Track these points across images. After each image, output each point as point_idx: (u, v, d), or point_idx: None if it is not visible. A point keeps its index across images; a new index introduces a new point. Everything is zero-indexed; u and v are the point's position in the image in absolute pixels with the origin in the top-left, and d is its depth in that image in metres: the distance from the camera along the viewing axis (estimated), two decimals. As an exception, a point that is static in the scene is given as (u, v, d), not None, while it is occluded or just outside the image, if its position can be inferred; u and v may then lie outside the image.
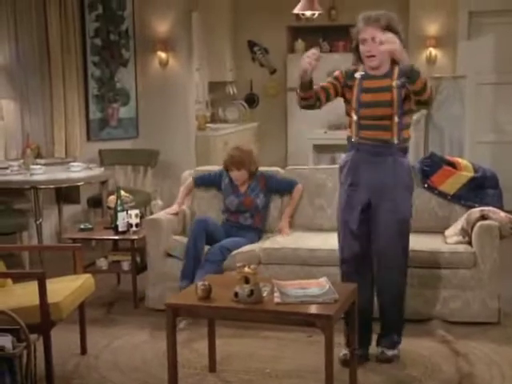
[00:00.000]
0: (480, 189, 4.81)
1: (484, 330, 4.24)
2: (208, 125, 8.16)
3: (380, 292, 3.83)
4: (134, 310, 4.84)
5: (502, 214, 4.43)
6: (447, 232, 4.65)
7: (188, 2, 7.57)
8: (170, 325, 3.30)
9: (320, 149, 7.30)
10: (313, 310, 3.15)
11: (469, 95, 7.60)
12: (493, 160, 7.58)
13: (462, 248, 4.39)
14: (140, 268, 4.97)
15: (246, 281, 3.27)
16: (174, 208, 4.99)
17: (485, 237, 4.30)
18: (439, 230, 4.71)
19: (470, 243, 4.42)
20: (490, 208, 4.48)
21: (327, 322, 3.06)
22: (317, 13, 7.59)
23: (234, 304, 3.22)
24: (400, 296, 3.83)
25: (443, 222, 4.76)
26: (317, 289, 3.36)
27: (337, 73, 3.79)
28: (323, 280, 3.48)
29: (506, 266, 4.48)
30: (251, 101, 9.08)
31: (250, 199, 4.88)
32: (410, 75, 3.39)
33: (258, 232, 4.89)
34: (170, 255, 4.71)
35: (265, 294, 3.31)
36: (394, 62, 3.57)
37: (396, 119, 3.59)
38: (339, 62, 8.85)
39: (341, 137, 7.67)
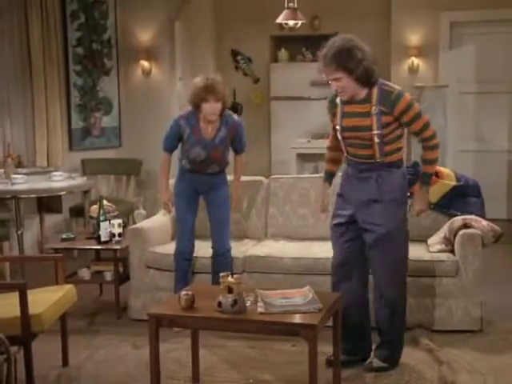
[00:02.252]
0: (462, 197, 4.84)
1: (467, 338, 4.27)
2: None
3: (375, 305, 3.88)
4: (116, 320, 4.82)
5: (484, 222, 4.46)
6: (430, 240, 4.68)
7: (170, 12, 7.57)
8: (152, 335, 3.28)
9: (303, 158, 7.32)
10: (296, 319, 3.15)
11: (451, 104, 7.68)
12: (475, 169, 7.65)
13: (444, 256, 4.41)
14: (123, 278, 4.94)
15: (230, 290, 3.27)
16: (166, 201, 4.65)
17: (467, 245, 4.33)
18: (422, 239, 4.73)
19: (452, 252, 4.44)
20: (473, 217, 4.51)
21: (311, 332, 3.06)
22: (300, 22, 7.61)
23: (218, 314, 3.21)
24: (397, 312, 3.82)
25: (426, 230, 4.78)
26: (300, 298, 3.36)
27: (327, 111, 3.91)
28: (306, 289, 3.48)
29: (488, 275, 4.51)
30: (235, 110, 9.01)
31: (218, 151, 4.47)
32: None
33: (224, 172, 4.65)
34: (149, 267, 4.70)
35: (248, 304, 3.31)
36: (372, 85, 3.64)
37: (376, 140, 3.68)
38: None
39: (324, 146, 7.77)
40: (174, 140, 4.52)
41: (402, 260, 3.82)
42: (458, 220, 4.51)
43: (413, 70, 8.02)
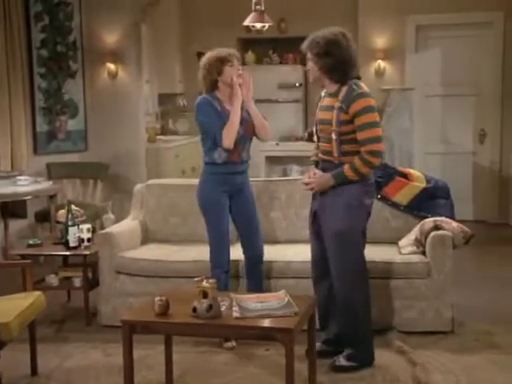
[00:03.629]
0: (432, 199, 4.88)
1: (438, 340, 4.30)
2: (158, 137, 8.10)
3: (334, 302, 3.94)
4: (86, 327, 4.74)
5: (455, 224, 4.50)
6: (401, 242, 4.71)
7: (137, 14, 7.50)
8: (126, 342, 3.24)
9: (272, 161, 7.32)
10: (273, 323, 3.14)
11: (417, 107, 7.76)
12: (441, 171, 7.74)
13: (416, 258, 4.44)
14: (92, 284, 4.88)
15: (205, 295, 3.25)
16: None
17: (438, 247, 4.37)
18: (393, 241, 4.76)
19: (423, 253, 4.47)
20: (443, 218, 4.56)
21: (288, 336, 3.05)
22: (267, 25, 7.61)
23: (193, 319, 3.18)
24: (348, 309, 3.86)
25: (397, 232, 4.81)
26: (276, 302, 3.35)
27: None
28: (282, 293, 3.47)
29: (458, 276, 4.55)
30: (201, 113, 9.02)
31: (250, 125, 4.19)
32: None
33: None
34: (119, 272, 4.64)
35: (223, 309, 3.28)
36: (344, 83, 3.74)
37: (334, 136, 3.76)
38: (289, 73, 8.96)
39: (292, 148, 7.84)
40: (216, 118, 4.06)
41: (354, 260, 3.84)
42: (429, 222, 4.55)
43: (379, 73, 8.08)
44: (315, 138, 4.00)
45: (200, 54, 8.86)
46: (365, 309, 3.89)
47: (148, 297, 4.50)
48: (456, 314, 4.43)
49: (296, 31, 8.64)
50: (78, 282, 4.88)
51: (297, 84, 8.55)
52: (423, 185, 4.91)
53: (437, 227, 4.46)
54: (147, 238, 5.11)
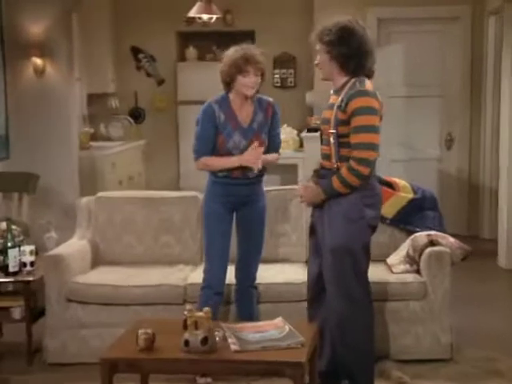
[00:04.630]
0: (420, 211, 4.90)
1: (438, 367, 4.32)
2: (91, 143, 7.87)
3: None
4: (28, 366, 4.52)
5: (451, 238, 4.54)
6: (390, 260, 4.70)
7: (66, 2, 7.26)
8: (105, 384, 3.07)
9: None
10: (280, 356, 3.05)
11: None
12: (405, 179, 7.79)
13: (410, 277, 4.45)
14: (35, 315, 4.65)
15: (196, 326, 3.12)
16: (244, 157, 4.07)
17: (435, 265, 4.38)
18: (379, 258, 4.72)
19: (418, 272, 4.48)
20: (438, 233, 4.58)
21: (299, 370, 2.98)
22: (215, 17, 7.56)
23: (185, 354, 3.06)
24: (346, 335, 3.80)
25: (383, 248, 4.80)
26: (276, 331, 3.28)
27: None
28: (279, 320, 3.40)
29: (455, 296, 4.57)
30: (137, 115, 8.89)
31: (259, 137, 4.13)
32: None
33: (263, 180, 4.27)
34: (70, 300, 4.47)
35: (217, 341, 3.17)
36: (351, 77, 3.73)
37: (332, 140, 3.74)
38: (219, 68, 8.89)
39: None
40: (210, 130, 4.06)
41: (353, 280, 3.79)
42: (422, 236, 4.56)
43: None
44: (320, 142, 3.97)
45: (135, 49, 8.88)
46: (366, 334, 3.85)
47: (104, 328, 4.44)
48: (454, 338, 4.45)
49: (244, 25, 8.64)
50: (17, 313, 4.64)
51: (246, 83, 8.49)
52: (410, 195, 4.92)
53: (432, 242, 4.47)
54: (97, 259, 4.95)
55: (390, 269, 4.61)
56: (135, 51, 8.82)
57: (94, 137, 8.38)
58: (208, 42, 8.90)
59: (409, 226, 4.84)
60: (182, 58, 8.97)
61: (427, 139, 8.11)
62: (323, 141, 3.88)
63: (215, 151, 4.12)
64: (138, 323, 3.40)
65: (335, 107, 3.72)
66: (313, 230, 3.98)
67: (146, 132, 8.88)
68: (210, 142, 4.10)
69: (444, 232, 4.74)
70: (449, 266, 4.39)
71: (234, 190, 4.15)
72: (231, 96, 4.13)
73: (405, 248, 4.65)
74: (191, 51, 8.93)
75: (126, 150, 8.12)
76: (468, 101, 7.95)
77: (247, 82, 4.02)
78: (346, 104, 3.65)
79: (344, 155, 3.72)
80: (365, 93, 3.67)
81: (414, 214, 4.88)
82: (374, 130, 3.66)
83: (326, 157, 3.82)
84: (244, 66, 4.00)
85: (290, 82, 8.78)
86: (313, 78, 8.05)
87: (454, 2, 7.81)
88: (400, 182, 5.02)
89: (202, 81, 8.62)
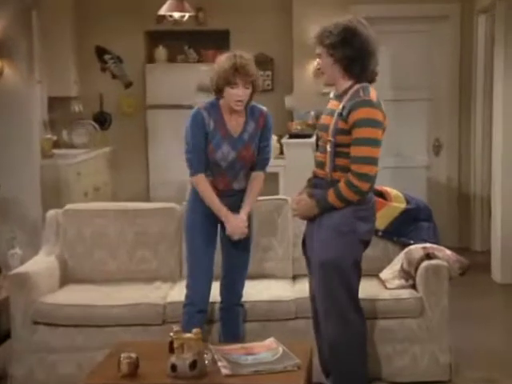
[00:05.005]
0: (413, 222, 4.93)
1: (437, 390, 4.33)
2: (54, 151, 7.79)
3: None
4: (-11, 396, 4.47)
5: (448, 251, 4.56)
6: (383, 275, 4.71)
7: (27, -3, 7.21)
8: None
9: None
10: (275, 381, 3.04)
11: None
12: (394, 187, 7.84)
13: (406, 293, 4.46)
14: (-1, 338, 4.61)
15: (182, 349, 3.09)
16: (237, 222, 4.11)
17: (433, 279, 4.40)
18: (371, 273, 4.73)
19: (414, 287, 4.49)
20: (434, 245, 4.60)
21: (297, 396, 2.95)
22: (187, 15, 7.56)
23: (173, 380, 3.03)
24: (338, 357, 3.82)
25: (375, 262, 4.80)
26: (268, 353, 3.27)
27: None
28: (272, 341, 3.38)
29: (453, 312, 4.58)
30: (102, 120, 8.82)
31: (250, 150, 4.13)
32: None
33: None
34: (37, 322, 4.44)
35: (206, 364, 3.14)
36: (355, 83, 3.75)
37: (328, 148, 3.75)
38: (208, 73, 8.85)
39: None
40: (201, 139, 4.03)
41: (344, 296, 3.81)
42: (417, 249, 4.57)
43: (319, 74, 8.12)
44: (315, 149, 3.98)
45: (100, 50, 8.83)
46: (359, 356, 3.86)
47: (75, 353, 4.43)
48: (453, 357, 4.47)
49: (217, 23, 8.62)
50: (-21, 337, 4.58)
51: (220, 86, 8.49)
52: (403, 205, 4.95)
53: (429, 256, 4.49)
54: (66, 277, 4.91)
55: (383, 284, 4.62)
56: (100, 51, 8.76)
57: (57, 144, 8.31)
58: (179, 41, 8.87)
59: (402, 238, 4.87)
60: (151, 58, 8.92)
61: (414, 145, 8.17)
62: (319, 147, 3.89)
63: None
64: (119, 346, 3.36)
65: (336, 114, 3.72)
66: (305, 244, 3.99)
67: (112, 139, 8.81)
68: (203, 154, 4.07)
69: (438, 244, 4.77)
70: (447, 280, 4.41)
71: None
72: (221, 102, 4.10)
73: (399, 262, 4.66)
74: (161, 52, 8.89)
75: (91, 159, 8.05)
76: (457, 104, 8.02)
77: (234, 95, 3.99)
78: (348, 113, 3.66)
79: (339, 165, 3.73)
80: (369, 103, 3.68)
81: (408, 226, 4.91)
82: (375, 143, 3.70)
83: (320, 165, 3.83)
84: (233, 78, 3.95)
85: (268, 85, 8.77)
86: (292, 81, 8.09)
87: (442, 0, 7.89)
88: (392, 191, 5.05)
89: (172, 83, 8.62)
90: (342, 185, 3.68)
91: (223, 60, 4.03)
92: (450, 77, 8.01)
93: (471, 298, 6.14)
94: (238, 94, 3.98)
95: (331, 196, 3.71)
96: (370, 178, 3.71)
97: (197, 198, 4.19)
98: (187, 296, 4.18)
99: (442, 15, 7.97)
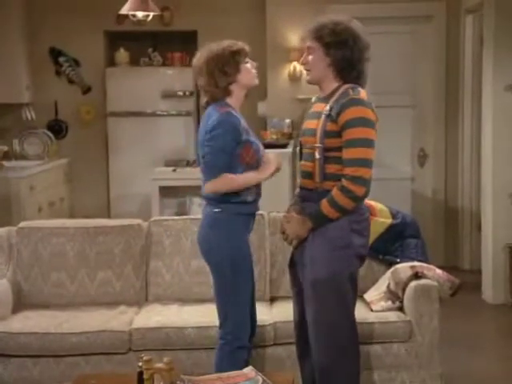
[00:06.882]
0: (400, 238, 4.95)
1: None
2: (3, 163, 7.72)
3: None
4: None
5: (438, 270, 4.58)
6: (368, 296, 4.72)
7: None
8: None
9: (164, 192, 7.19)
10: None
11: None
12: (376, 201, 7.87)
13: (393, 316, 4.48)
14: None
15: (153, 381, 3.07)
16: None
17: (422, 301, 4.42)
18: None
19: (401, 309, 4.51)
20: (423, 264, 4.62)
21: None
22: (152, 14, 7.54)
23: (143, 416, 2.99)
24: (327, 378, 3.79)
25: (359, 282, 4.77)
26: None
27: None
28: (250, 370, 3.36)
29: (443, 336, 4.59)
30: (57, 129, 8.77)
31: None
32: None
33: None
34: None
35: (179, 397, 3.12)
36: (342, 84, 3.75)
37: (317, 155, 3.73)
38: (175, 78, 8.86)
39: (191, 177, 7.66)
40: (231, 144, 3.84)
41: (339, 316, 3.79)
42: (405, 268, 4.59)
43: (295, 78, 8.17)
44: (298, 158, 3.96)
45: (55, 51, 8.79)
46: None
47: None
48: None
49: (184, 24, 8.62)
50: None
51: (186, 92, 8.48)
52: (389, 221, 4.97)
53: (417, 275, 4.51)
54: (20, 302, 4.91)
55: (368, 306, 4.64)
56: (55, 54, 8.72)
57: (7, 155, 8.24)
58: (142, 43, 8.86)
59: (388, 255, 4.90)
60: (112, 62, 8.88)
61: (397, 155, 8.20)
62: (304, 156, 3.86)
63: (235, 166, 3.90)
64: (81, 379, 3.32)
65: (323, 116, 3.70)
66: (293, 262, 3.97)
67: (68, 149, 8.75)
68: (229, 158, 3.86)
69: (427, 262, 4.79)
70: (437, 302, 4.43)
71: (252, 220, 4.06)
72: (230, 100, 3.94)
73: (385, 282, 4.68)
74: (122, 54, 8.85)
75: (46, 171, 7.98)
76: (443, 111, 8.10)
77: (252, 68, 3.93)
78: (338, 113, 3.63)
79: (330, 173, 3.70)
80: (360, 102, 3.66)
81: (394, 242, 4.94)
82: (369, 144, 3.67)
83: (308, 175, 3.80)
84: (241, 55, 3.91)
85: (239, 90, 8.76)
86: (265, 86, 8.09)
87: (426, -1, 7.98)
88: (376, 205, 5.07)
89: (135, 89, 8.60)
90: (335, 192, 3.65)
91: (220, 45, 3.95)
92: (435, 81, 8.08)
93: (462, 320, 6.17)
94: (253, 65, 3.97)
95: (325, 206, 3.67)
96: (366, 182, 3.68)
97: (239, 221, 3.96)
98: (238, 337, 3.92)
99: (426, 15, 8.07)
